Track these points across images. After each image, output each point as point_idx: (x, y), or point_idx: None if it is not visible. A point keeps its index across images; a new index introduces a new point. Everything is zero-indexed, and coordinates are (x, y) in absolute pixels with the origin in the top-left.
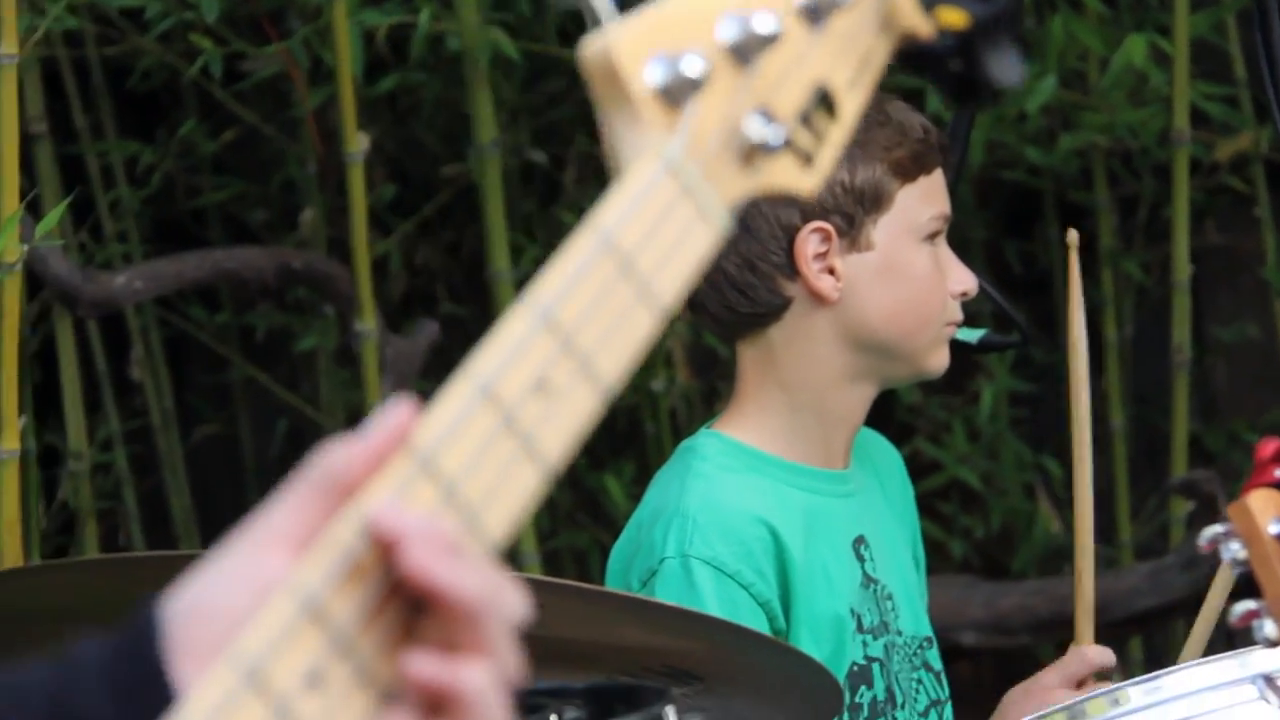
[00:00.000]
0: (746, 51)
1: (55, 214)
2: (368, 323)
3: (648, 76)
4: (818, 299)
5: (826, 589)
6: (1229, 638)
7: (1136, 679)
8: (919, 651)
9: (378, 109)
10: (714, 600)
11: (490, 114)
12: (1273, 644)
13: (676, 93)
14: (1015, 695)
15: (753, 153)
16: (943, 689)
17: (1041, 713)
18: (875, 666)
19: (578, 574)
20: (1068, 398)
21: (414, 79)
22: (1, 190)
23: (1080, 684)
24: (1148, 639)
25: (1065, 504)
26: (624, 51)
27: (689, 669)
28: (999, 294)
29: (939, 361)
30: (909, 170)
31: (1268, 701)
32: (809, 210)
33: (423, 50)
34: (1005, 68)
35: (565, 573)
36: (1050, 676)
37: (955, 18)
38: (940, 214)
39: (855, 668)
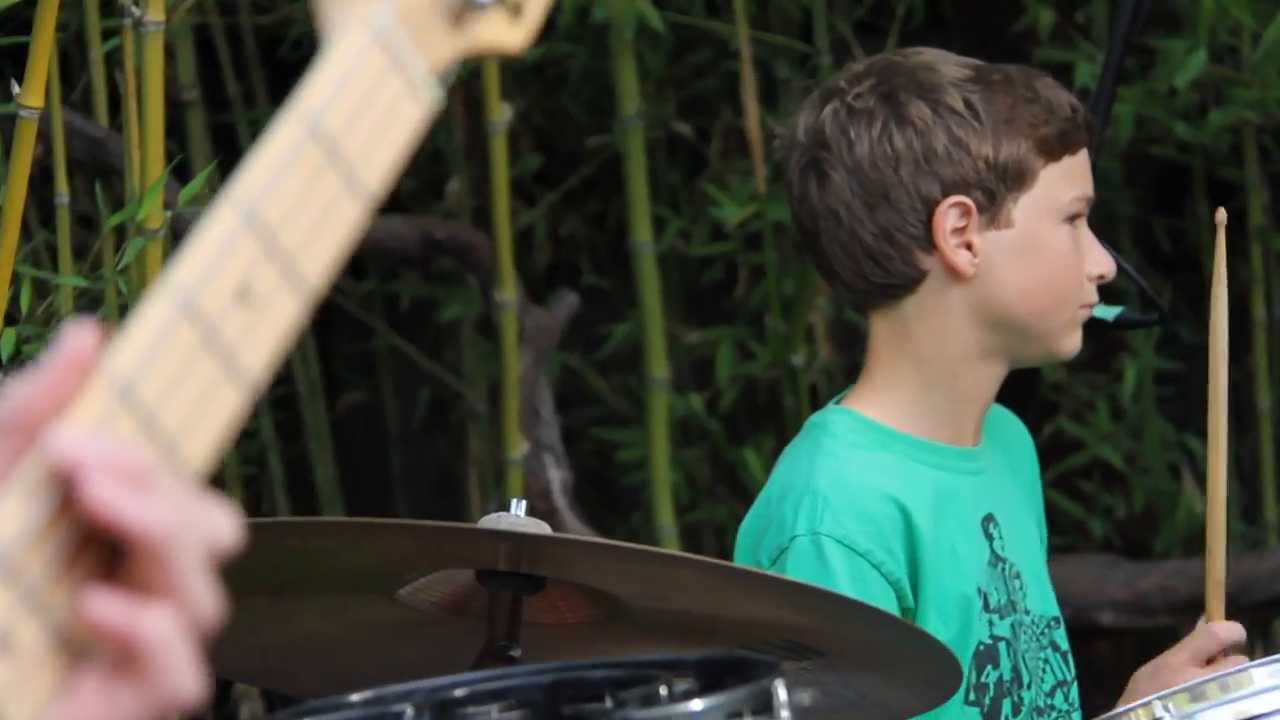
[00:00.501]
0: None
1: (199, 180)
2: (508, 293)
3: None
4: (953, 274)
5: (954, 567)
6: None
7: (1261, 660)
8: (1046, 631)
9: (525, 80)
10: (845, 578)
11: (634, 86)
12: None
13: None
14: (1144, 674)
15: (462, 10)
16: (1069, 669)
17: (1165, 691)
18: (1002, 645)
19: (716, 548)
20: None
21: (560, 50)
22: (147, 157)
23: (1209, 661)
24: None
25: None
26: None
27: (810, 643)
28: (1137, 272)
29: (1071, 344)
30: (1054, 149)
31: None
32: (950, 184)
33: (570, 21)
34: None
35: (704, 546)
36: (1179, 655)
37: None
38: (1083, 195)
39: (981, 647)
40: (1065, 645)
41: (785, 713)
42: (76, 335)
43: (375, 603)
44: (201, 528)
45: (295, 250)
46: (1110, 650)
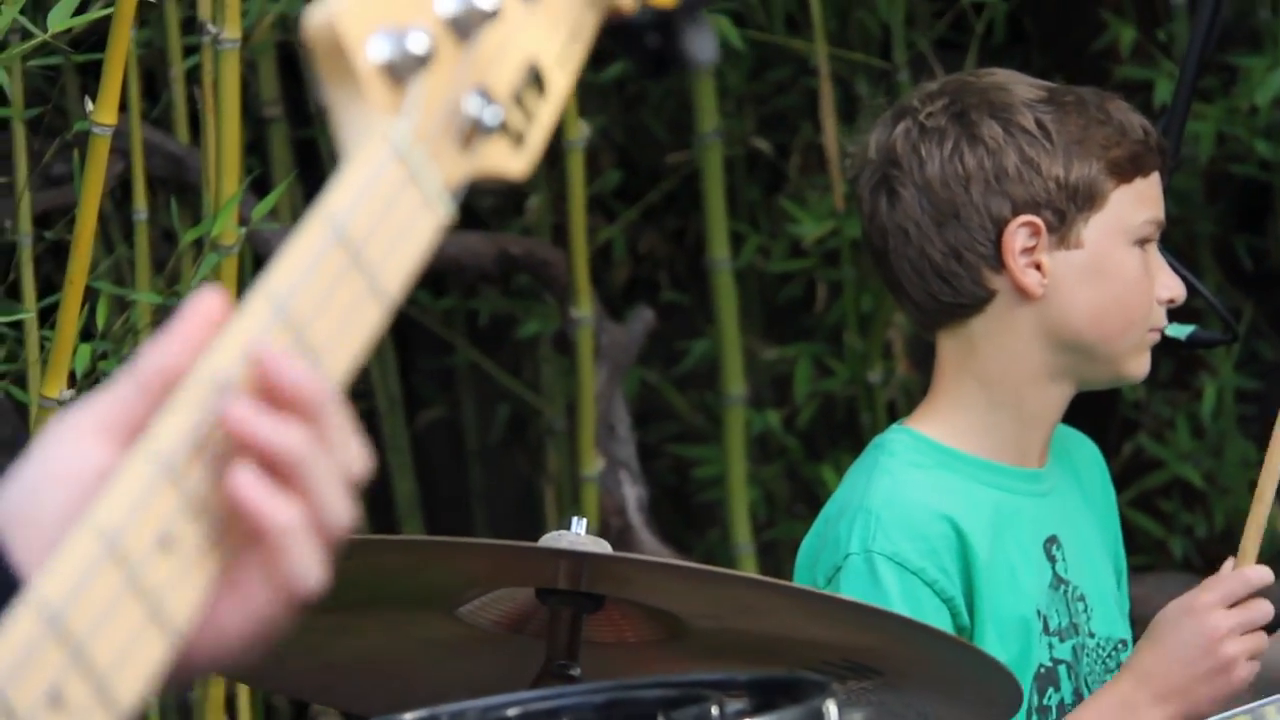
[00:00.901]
0: (468, 26)
1: (273, 197)
2: (584, 309)
3: (372, 52)
4: (1022, 294)
5: (1012, 589)
6: None
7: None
8: (1113, 654)
9: (606, 96)
10: (898, 596)
11: (712, 102)
12: None
13: (401, 70)
14: (1171, 612)
15: (472, 133)
16: None
17: (1225, 714)
18: (1062, 669)
19: (794, 566)
20: None
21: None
22: (222, 173)
23: (1237, 604)
24: None
25: None
26: (348, 25)
27: (867, 663)
28: (1215, 291)
29: (1140, 367)
30: (1125, 171)
31: None
32: (1020, 203)
33: None
34: (702, 45)
35: (782, 564)
36: (1208, 596)
37: None
38: (1154, 219)
39: (1042, 669)
40: None
41: None
42: (204, 297)
43: (436, 620)
44: (333, 452)
45: (322, 345)
46: None
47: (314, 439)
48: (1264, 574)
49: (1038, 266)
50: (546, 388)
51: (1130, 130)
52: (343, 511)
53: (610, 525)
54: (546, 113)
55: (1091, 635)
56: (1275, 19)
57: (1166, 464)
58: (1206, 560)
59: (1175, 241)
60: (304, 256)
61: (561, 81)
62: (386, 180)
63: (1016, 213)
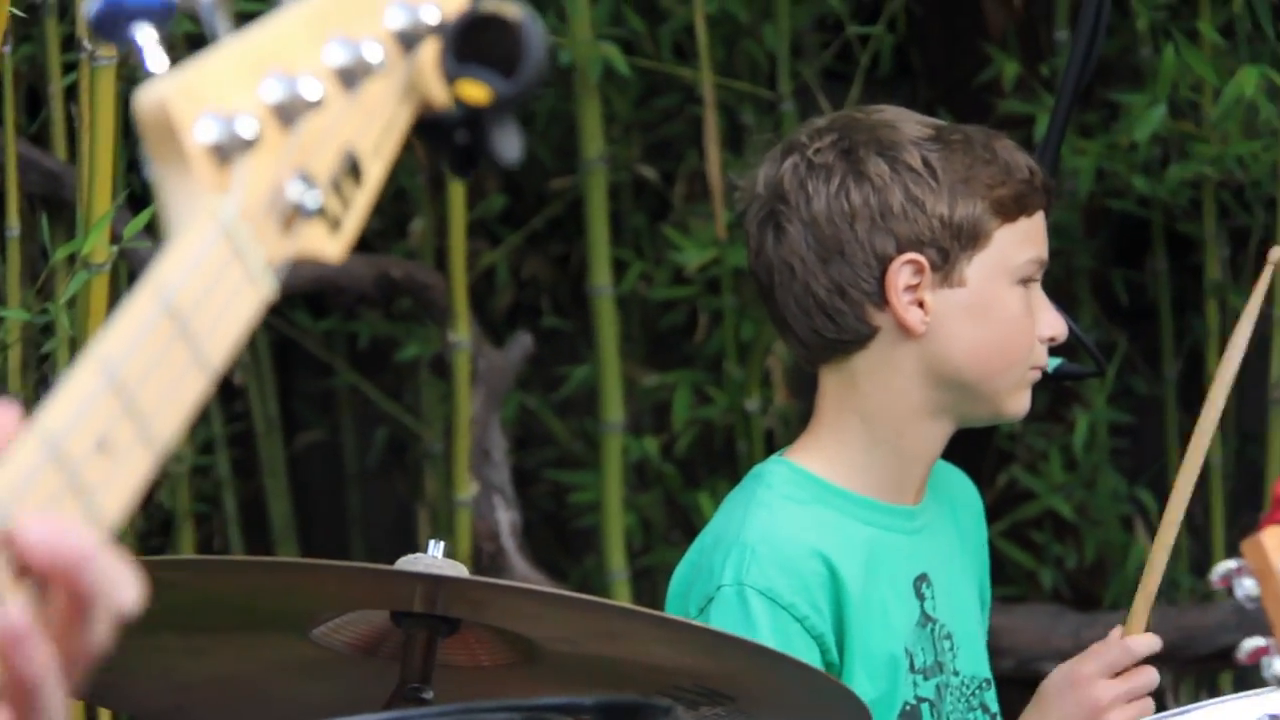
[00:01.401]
0: (292, 114)
1: (144, 216)
2: (461, 334)
3: (200, 133)
4: (905, 331)
5: (883, 627)
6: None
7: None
8: (976, 693)
9: None
10: (768, 630)
11: (598, 128)
12: None
13: (228, 151)
14: (1055, 681)
15: (293, 216)
16: None
17: None
18: (925, 707)
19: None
20: (1205, 400)
21: None
22: (95, 190)
23: (1120, 674)
24: (1240, 674)
25: None
26: (178, 106)
27: (721, 689)
28: (1076, 324)
29: (1019, 405)
30: (1010, 210)
31: None
32: (904, 241)
33: None
34: (508, 144)
35: (657, 590)
36: (1091, 666)
37: (477, 92)
38: (1037, 258)
39: (907, 707)
40: (995, 707)
41: None
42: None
43: (289, 642)
44: (90, 612)
45: (149, 412)
46: None
47: (67, 617)
48: (1149, 643)
49: (921, 304)
50: (426, 411)
51: (1015, 170)
52: (101, 647)
53: (483, 550)
54: (361, 200)
55: (956, 674)
56: (1155, 56)
57: (1039, 495)
58: (1076, 592)
59: (1054, 274)
60: (134, 325)
61: (376, 171)
62: (213, 256)
63: (901, 250)
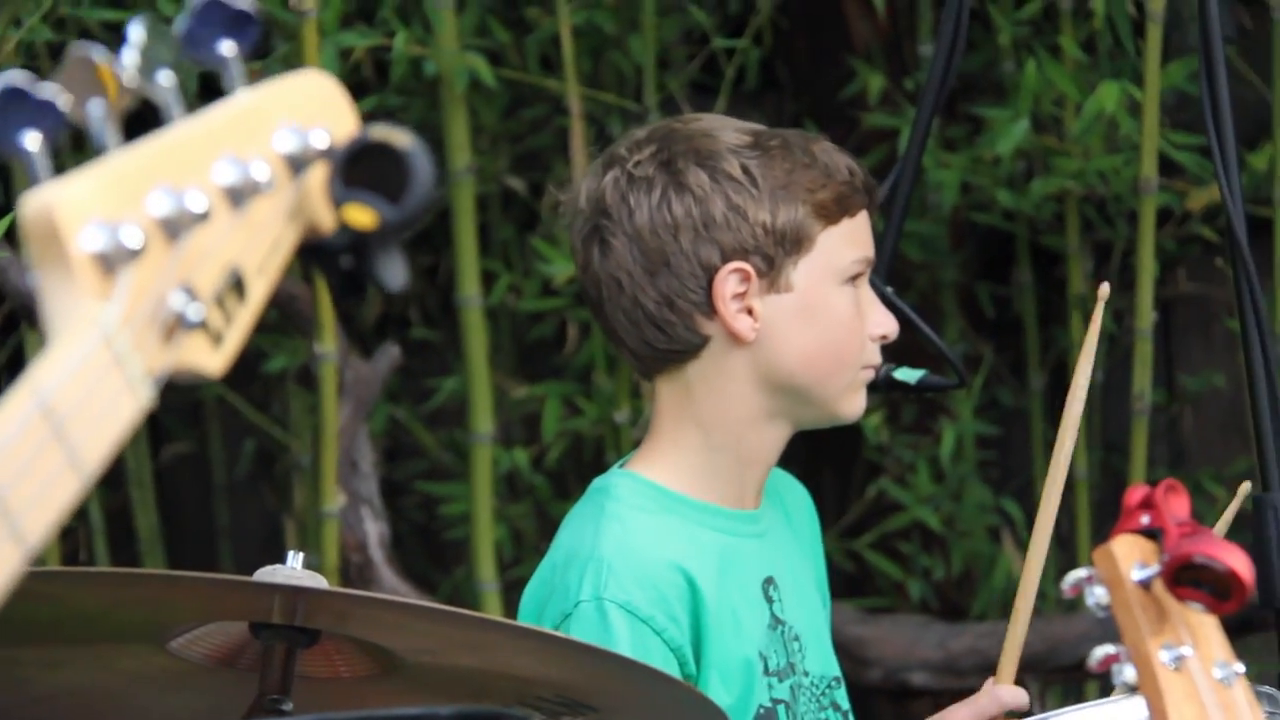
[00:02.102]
0: (178, 227)
1: (3, 224)
2: (327, 345)
3: (85, 241)
4: (735, 339)
5: (735, 632)
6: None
7: None
8: (827, 691)
9: None
10: (627, 644)
11: (465, 139)
12: (1132, 689)
13: (113, 260)
14: None
15: (174, 327)
16: None
17: None
18: (780, 709)
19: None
20: (1057, 435)
21: (393, 102)
22: None
23: None
24: (1106, 684)
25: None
26: (65, 213)
27: (583, 700)
28: (938, 336)
29: (853, 407)
30: (832, 213)
31: None
32: (729, 250)
33: (404, 73)
34: (392, 271)
35: None
36: (961, 713)
37: (363, 217)
38: (863, 257)
39: (761, 710)
40: (846, 705)
41: None
42: None
43: (146, 653)
44: None
45: (20, 510)
46: (929, 708)
47: None
48: (1017, 696)
49: (749, 311)
50: (294, 423)
51: (835, 172)
52: None
53: (351, 561)
54: (244, 316)
55: (806, 674)
56: (1018, 71)
57: (907, 507)
58: (944, 603)
59: (919, 288)
60: (8, 424)
61: (260, 289)
62: (93, 362)
63: (726, 260)
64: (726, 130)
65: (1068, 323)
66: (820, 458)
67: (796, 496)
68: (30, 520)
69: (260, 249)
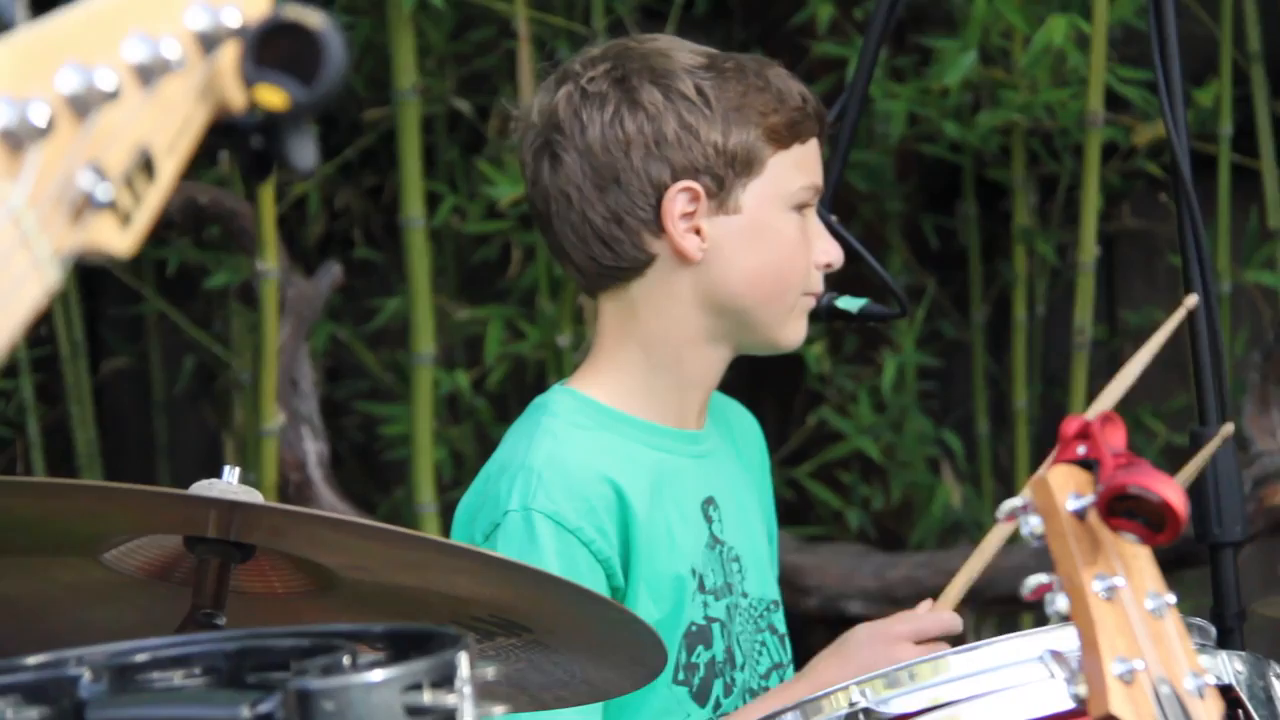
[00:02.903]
0: (87, 105)
1: None
2: (269, 262)
3: None
4: (681, 258)
5: (669, 549)
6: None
7: (958, 649)
8: (765, 614)
9: None
10: (553, 554)
11: (411, 60)
12: (1064, 618)
13: (20, 137)
14: (862, 634)
15: (83, 207)
16: (785, 652)
17: (862, 676)
18: (715, 627)
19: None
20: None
21: (340, 19)
22: None
23: (923, 643)
24: (1041, 616)
25: (966, 479)
26: None
27: (517, 620)
28: (880, 265)
29: (793, 333)
30: (783, 137)
31: (1052, 675)
32: (679, 169)
33: None
34: (302, 152)
35: None
36: (901, 628)
37: (275, 98)
38: (812, 184)
39: (694, 628)
40: (783, 629)
41: (466, 686)
42: None
43: (81, 565)
44: None
45: None
46: None
47: None
48: (955, 621)
49: (697, 231)
50: (235, 340)
51: (788, 97)
52: None
53: (290, 480)
54: (153, 197)
55: (745, 595)
56: (968, 3)
57: (847, 437)
58: (882, 532)
59: (865, 218)
60: None
61: (170, 168)
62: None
63: (676, 178)
64: (682, 51)
65: (1011, 256)
66: (762, 386)
67: (745, 425)
68: None
69: (170, 128)
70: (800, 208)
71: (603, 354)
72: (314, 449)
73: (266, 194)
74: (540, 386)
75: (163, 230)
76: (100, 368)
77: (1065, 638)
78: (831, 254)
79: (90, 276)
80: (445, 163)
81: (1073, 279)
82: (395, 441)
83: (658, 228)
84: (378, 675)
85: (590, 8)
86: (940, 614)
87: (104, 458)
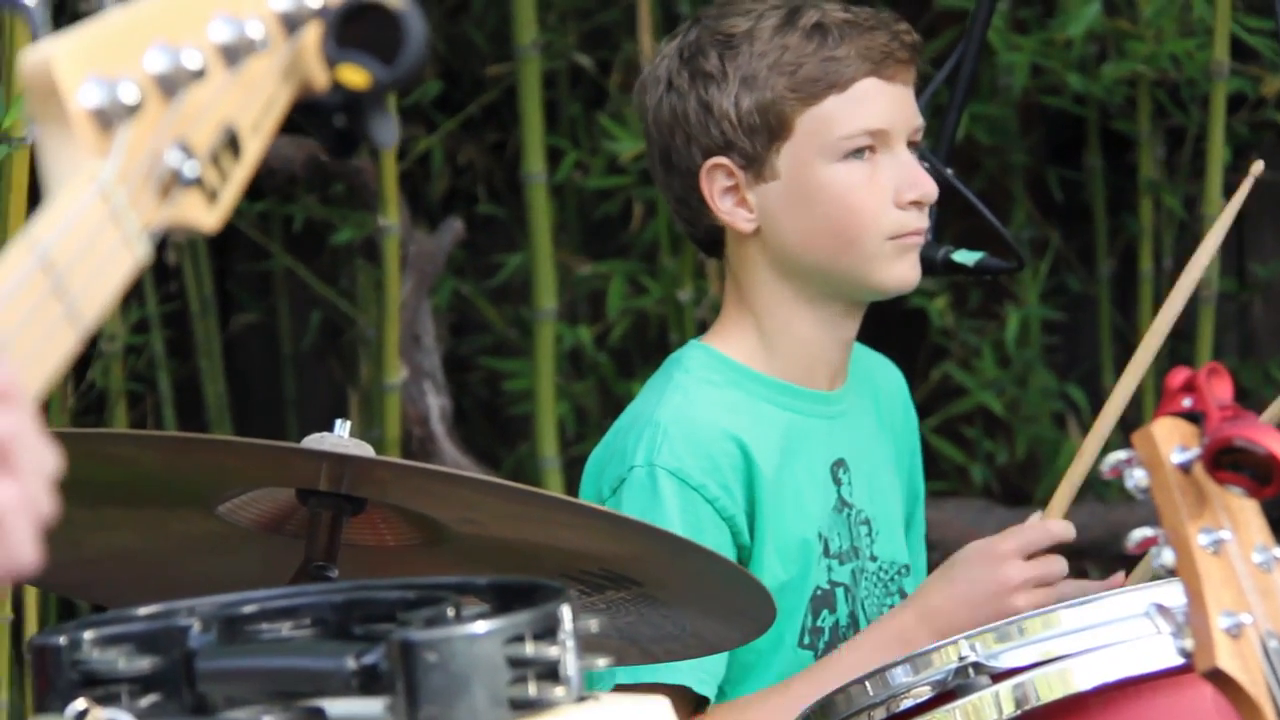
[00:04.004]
0: (174, 84)
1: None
2: (390, 218)
3: (83, 97)
4: (737, 231)
5: (796, 510)
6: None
7: (1068, 603)
8: (895, 578)
9: (427, 5)
10: (676, 511)
11: (532, 15)
12: (1170, 572)
13: (110, 116)
14: (969, 554)
15: (170, 184)
16: None
17: (972, 631)
18: (840, 591)
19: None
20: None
21: None
22: (14, 68)
23: (1033, 555)
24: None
25: None
26: (62, 69)
27: (627, 574)
28: (995, 217)
29: (895, 275)
30: (809, 93)
31: (1158, 630)
32: (706, 148)
33: None
34: (384, 130)
35: None
36: (1008, 544)
37: (357, 77)
38: (860, 130)
39: (819, 591)
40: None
41: (569, 639)
42: None
43: (195, 517)
44: (33, 448)
45: (20, 362)
46: None
47: (18, 428)
48: (1067, 529)
49: (744, 203)
50: (360, 296)
51: (807, 53)
52: (47, 499)
53: (413, 435)
54: (239, 174)
55: (874, 559)
56: None
57: (971, 391)
58: (1005, 487)
59: (988, 170)
60: (8, 279)
61: (255, 147)
62: (90, 216)
63: (706, 157)
64: (729, 18)
65: (1137, 209)
66: (884, 341)
67: (892, 382)
68: (29, 374)
69: (255, 107)
70: (855, 153)
71: (728, 312)
72: (436, 404)
73: (388, 151)
74: (662, 342)
75: (289, 186)
76: (230, 323)
77: (1173, 592)
78: (917, 190)
79: (220, 234)
80: (567, 118)
81: (1198, 233)
82: (519, 396)
83: (707, 206)
84: (481, 627)
85: None
86: (1047, 524)
87: (233, 412)
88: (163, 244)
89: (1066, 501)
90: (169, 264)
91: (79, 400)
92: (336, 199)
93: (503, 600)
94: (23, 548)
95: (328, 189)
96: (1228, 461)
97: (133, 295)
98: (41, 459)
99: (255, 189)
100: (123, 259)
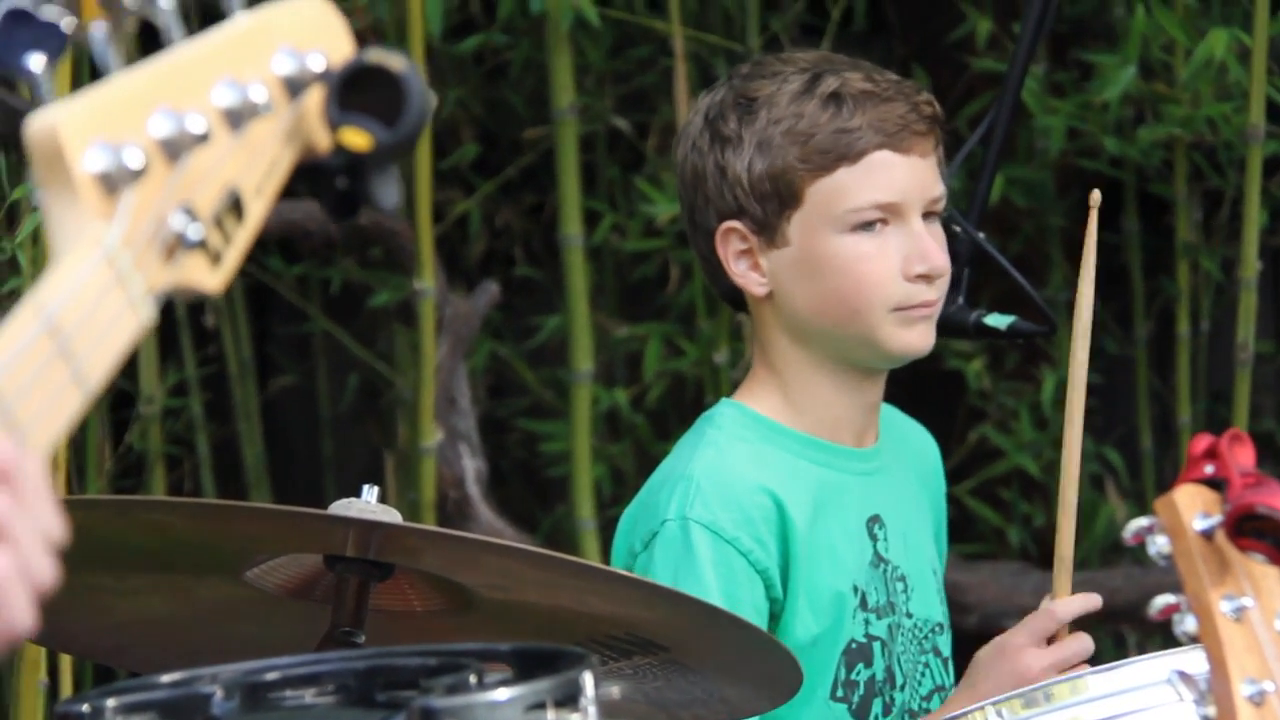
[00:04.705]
0: (178, 148)
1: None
2: (426, 281)
3: (88, 162)
4: (752, 294)
5: (830, 564)
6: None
7: (1097, 668)
8: (930, 636)
9: (465, 68)
10: (709, 564)
11: (569, 78)
12: (1192, 639)
13: (115, 180)
14: (985, 654)
15: (175, 247)
16: (948, 675)
17: (999, 696)
18: (876, 645)
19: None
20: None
21: (499, 40)
22: None
23: (1050, 640)
24: None
25: (1130, 495)
26: (68, 133)
27: (655, 639)
28: (1024, 278)
29: (902, 343)
30: (819, 164)
31: (1180, 697)
32: (721, 212)
33: (511, 11)
34: (386, 191)
35: None
36: (1019, 636)
37: (359, 139)
38: (870, 203)
39: (854, 645)
40: (947, 651)
41: (590, 705)
42: None
43: (222, 584)
44: (34, 515)
45: (26, 425)
46: None
47: (15, 502)
48: (1075, 606)
49: (757, 268)
50: (398, 358)
51: (821, 124)
52: (47, 567)
53: (448, 497)
54: (242, 236)
55: (909, 615)
56: (1128, 16)
57: (1007, 454)
58: (1042, 550)
59: (1026, 233)
60: (14, 341)
61: (258, 209)
62: (96, 280)
63: (721, 220)
64: (754, 80)
65: (1174, 271)
66: (922, 403)
67: (922, 445)
68: (36, 434)
69: (258, 170)
70: (865, 225)
71: (757, 372)
72: (472, 466)
73: (424, 213)
74: (698, 403)
75: (326, 250)
76: (268, 386)
77: (1196, 659)
78: (926, 263)
79: (259, 296)
80: (604, 181)
81: (1233, 296)
82: (556, 458)
83: (724, 268)
84: (502, 694)
85: (746, 26)
86: (1053, 608)
87: (271, 474)
88: (201, 307)
89: (1067, 577)
90: (208, 327)
91: (117, 463)
92: (374, 262)
93: (525, 666)
94: (18, 614)
95: (365, 252)
96: (1250, 528)
97: (171, 358)
98: (42, 527)
99: (293, 252)
100: (128, 322)
